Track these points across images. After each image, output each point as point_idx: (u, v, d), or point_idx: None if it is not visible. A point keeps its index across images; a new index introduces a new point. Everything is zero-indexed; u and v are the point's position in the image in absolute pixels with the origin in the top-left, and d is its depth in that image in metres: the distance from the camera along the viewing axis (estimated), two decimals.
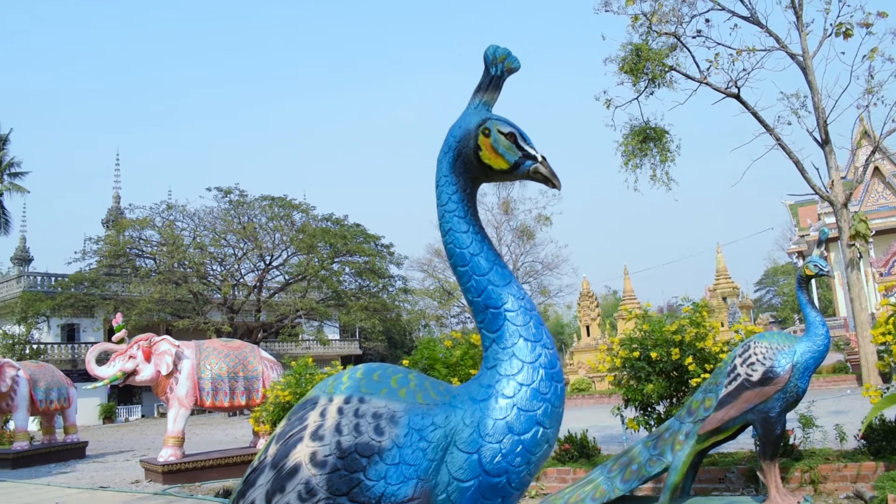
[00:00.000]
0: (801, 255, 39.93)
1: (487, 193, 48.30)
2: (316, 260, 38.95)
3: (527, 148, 2.23)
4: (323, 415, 2.12)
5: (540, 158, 2.23)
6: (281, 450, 2.13)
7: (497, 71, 2.28)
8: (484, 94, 2.32)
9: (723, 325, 23.04)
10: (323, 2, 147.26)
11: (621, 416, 8.61)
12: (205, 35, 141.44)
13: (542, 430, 2.12)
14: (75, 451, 17.69)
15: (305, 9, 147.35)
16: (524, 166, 2.23)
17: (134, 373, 11.88)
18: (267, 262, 40.14)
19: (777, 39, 17.69)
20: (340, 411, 2.11)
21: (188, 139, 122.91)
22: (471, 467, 2.06)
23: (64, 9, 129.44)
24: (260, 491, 2.10)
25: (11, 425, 17.34)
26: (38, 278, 39.54)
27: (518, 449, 2.08)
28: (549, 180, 2.25)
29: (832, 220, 23.73)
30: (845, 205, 17.10)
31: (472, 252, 2.26)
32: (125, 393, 39.68)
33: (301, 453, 2.07)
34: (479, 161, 2.25)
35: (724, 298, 28.63)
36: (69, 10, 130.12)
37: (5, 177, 35.62)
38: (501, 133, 2.22)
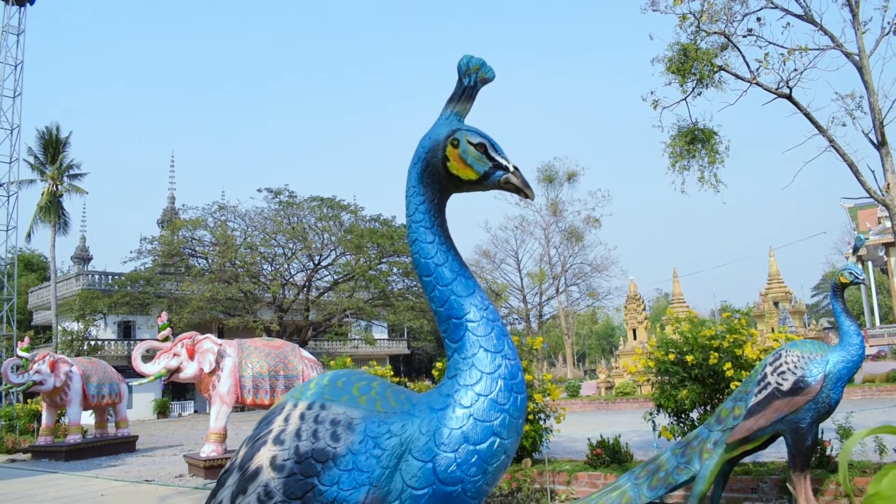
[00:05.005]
0: (860, 258, 38.72)
1: (536, 195, 48.08)
2: (364, 260, 39.25)
3: (497, 158, 2.22)
4: (287, 420, 2.18)
5: (511, 168, 2.22)
6: (247, 452, 2.20)
7: (470, 81, 2.27)
8: (456, 104, 2.31)
9: (773, 331, 22.47)
10: (369, 5, 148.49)
11: (653, 421, 8.50)
12: (258, 37, 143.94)
13: (498, 440, 2.12)
14: (126, 445, 18.19)
15: (353, 11, 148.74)
16: (494, 177, 2.22)
17: (178, 370, 12.17)
18: (315, 262, 40.62)
19: (832, 38, 17.14)
20: (302, 417, 2.15)
21: (241, 142, 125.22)
22: (425, 476, 2.07)
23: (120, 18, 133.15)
24: (227, 492, 2.18)
25: (67, 419, 17.93)
26: (96, 277, 40.75)
27: (473, 459, 2.08)
28: (521, 190, 2.23)
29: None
30: None
31: (437, 262, 2.26)
32: (178, 389, 40.60)
33: (263, 457, 2.13)
34: (447, 172, 2.25)
35: (776, 303, 27.93)
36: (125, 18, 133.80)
37: (65, 178, 36.77)
38: (471, 143, 2.21)
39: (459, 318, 2.22)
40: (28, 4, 38.54)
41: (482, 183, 2.24)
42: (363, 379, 2.32)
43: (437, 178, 2.28)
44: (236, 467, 2.20)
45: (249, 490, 2.08)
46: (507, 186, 2.23)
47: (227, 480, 2.21)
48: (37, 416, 21.42)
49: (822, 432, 6.63)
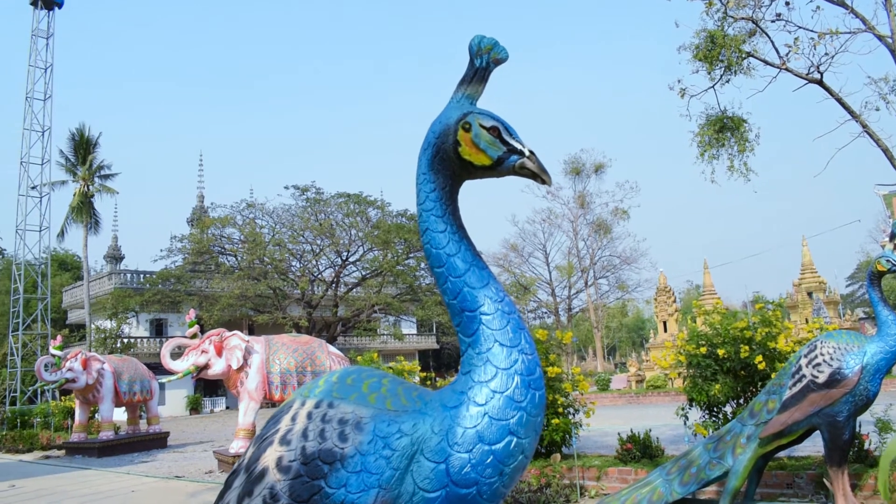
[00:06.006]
0: None
1: (563, 187, 47.79)
2: (391, 255, 39.25)
3: (512, 142, 2.11)
4: (294, 419, 2.10)
5: (527, 153, 2.11)
6: (254, 453, 2.13)
7: (482, 62, 2.16)
8: (468, 86, 2.20)
9: (807, 322, 22.07)
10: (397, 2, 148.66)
11: (685, 416, 8.33)
12: (283, 37, 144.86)
13: (515, 440, 2.01)
14: (158, 441, 18.39)
15: (384, 8, 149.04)
16: (508, 162, 2.11)
17: (206, 367, 12.22)
18: (343, 258, 40.71)
19: (864, 20, 16.72)
20: (309, 416, 2.07)
21: (269, 140, 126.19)
22: (437, 478, 1.97)
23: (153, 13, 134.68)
24: (234, 494, 2.11)
25: (99, 416, 18.17)
26: (128, 275, 41.30)
27: (489, 459, 1.97)
28: (538, 176, 2.12)
29: None
30: None
31: (449, 252, 2.16)
32: (210, 385, 41.02)
33: (269, 457, 2.05)
34: (458, 157, 2.14)
35: (810, 294, 27.43)
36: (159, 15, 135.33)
37: (96, 179, 37.23)
38: (483, 127, 2.10)
39: (473, 310, 2.12)
40: (56, 8, 39.08)
41: (496, 168, 2.13)
42: (374, 376, 2.23)
43: (448, 164, 2.18)
44: (243, 468, 2.13)
45: (255, 492, 2.01)
46: (523, 172, 2.13)
47: (235, 482, 2.15)
48: (71, 413, 21.75)
49: (860, 426, 6.45)
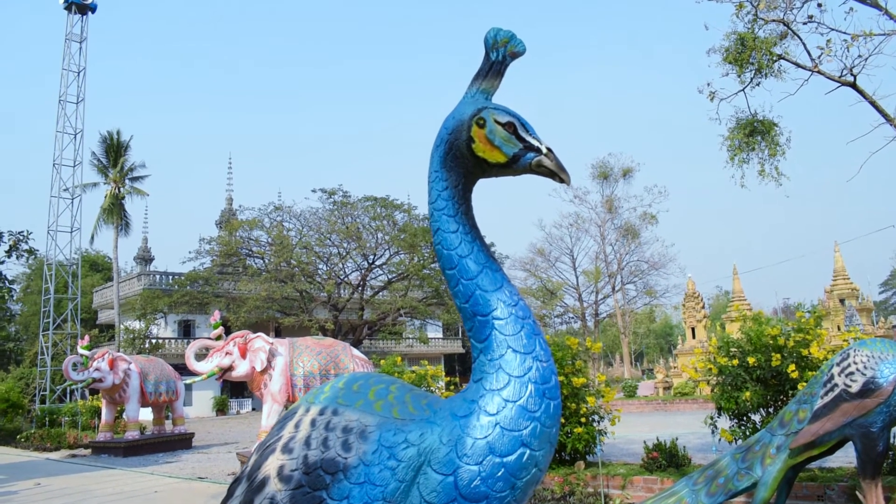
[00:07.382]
0: None
1: (591, 191, 47.53)
2: (417, 259, 39.27)
3: (529, 139, 2.02)
4: (297, 426, 2.02)
5: (545, 150, 2.02)
6: (257, 460, 2.06)
7: (498, 56, 2.08)
8: (483, 81, 2.12)
9: (839, 330, 21.63)
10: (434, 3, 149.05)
11: (714, 425, 8.16)
12: (312, 39, 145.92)
13: (528, 452, 1.91)
14: (183, 442, 18.51)
15: (413, 9, 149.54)
16: (525, 159, 2.02)
17: (230, 368, 12.22)
18: (370, 262, 40.79)
19: None
20: (313, 423, 1.99)
21: (297, 143, 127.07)
22: (445, 490, 1.87)
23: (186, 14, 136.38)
24: (235, 503, 2.03)
25: (125, 416, 18.32)
26: (157, 277, 41.79)
27: (500, 472, 1.87)
28: (556, 174, 2.02)
29: None
30: None
31: (461, 254, 2.07)
32: (237, 386, 41.28)
33: (271, 466, 1.98)
34: (472, 154, 2.05)
35: (842, 300, 26.90)
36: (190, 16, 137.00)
37: (126, 181, 37.71)
38: (499, 123, 2.01)
39: (485, 315, 2.02)
40: (90, 13, 39.61)
41: (511, 166, 2.04)
42: (381, 382, 2.14)
43: (461, 161, 2.09)
44: (245, 476, 2.07)
45: (256, 502, 1.95)
46: (540, 170, 2.03)
47: (237, 490, 2.08)
48: (98, 412, 21.99)
49: (895, 437, 6.25)
